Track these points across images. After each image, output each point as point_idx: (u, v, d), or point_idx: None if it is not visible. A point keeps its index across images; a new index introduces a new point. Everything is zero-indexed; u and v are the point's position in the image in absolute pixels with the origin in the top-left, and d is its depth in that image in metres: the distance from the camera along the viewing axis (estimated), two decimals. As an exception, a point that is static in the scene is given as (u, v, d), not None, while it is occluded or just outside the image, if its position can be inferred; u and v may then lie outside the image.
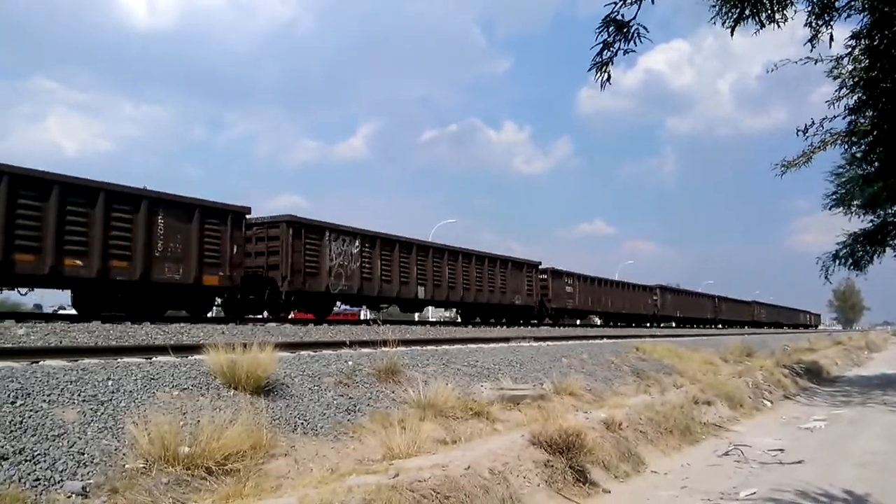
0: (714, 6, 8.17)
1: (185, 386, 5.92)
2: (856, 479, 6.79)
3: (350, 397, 7.01)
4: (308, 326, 14.40)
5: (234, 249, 14.17)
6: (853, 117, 14.17)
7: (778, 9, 7.68)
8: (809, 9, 8.93)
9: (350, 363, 8.00)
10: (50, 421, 4.66)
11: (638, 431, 8.22)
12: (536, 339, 14.53)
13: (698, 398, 10.92)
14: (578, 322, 34.95)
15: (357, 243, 17.67)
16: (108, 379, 5.59)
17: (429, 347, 10.77)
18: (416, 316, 34.27)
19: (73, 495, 4.00)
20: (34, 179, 11.01)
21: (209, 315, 15.70)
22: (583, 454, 6.35)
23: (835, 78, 13.82)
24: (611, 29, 4.53)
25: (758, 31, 7.76)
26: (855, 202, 18.82)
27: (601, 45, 4.60)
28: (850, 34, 11.80)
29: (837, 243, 19.66)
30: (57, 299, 30.19)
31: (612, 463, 6.98)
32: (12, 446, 4.23)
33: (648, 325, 39.12)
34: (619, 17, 4.48)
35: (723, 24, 7.97)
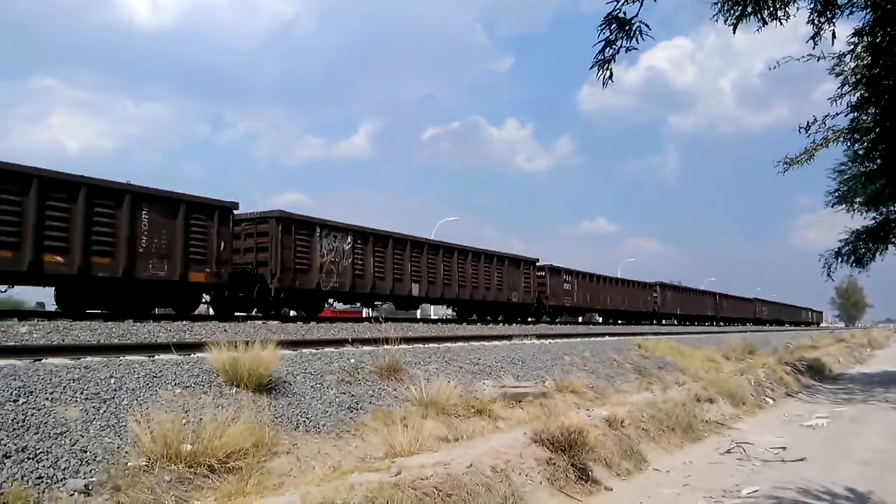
0: (716, 3, 8.12)
1: (188, 384, 5.93)
2: (858, 476, 6.79)
3: (352, 395, 7.01)
4: (310, 324, 14.42)
5: (222, 245, 13.90)
6: (855, 114, 14.12)
7: (780, 6, 7.64)
8: (812, 6, 8.88)
9: (352, 361, 8.01)
10: (52, 419, 4.67)
11: (640, 429, 8.22)
12: (538, 336, 14.53)
13: (700, 396, 10.91)
14: (580, 319, 34.93)
15: (349, 239, 17.39)
16: (111, 377, 5.60)
17: (431, 345, 10.78)
18: (418, 313, 34.29)
19: (76, 493, 4.01)
20: (13, 174, 10.77)
21: (195, 312, 15.39)
22: (585, 452, 6.35)
23: (837, 75, 13.77)
24: (613, 26, 4.50)
25: (760, 28, 7.72)
26: (857, 199, 18.74)
27: (603, 42, 4.57)
28: (853, 31, 11.75)
29: (840, 240, 19.63)
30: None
31: (615, 461, 6.98)
32: (15, 444, 4.23)
33: (648, 322, 39.00)
34: (621, 15, 4.46)
35: (725, 21, 7.92)
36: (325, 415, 6.32)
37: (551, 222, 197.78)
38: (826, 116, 14.31)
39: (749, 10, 7.54)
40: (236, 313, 15.81)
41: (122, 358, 6.50)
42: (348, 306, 27.41)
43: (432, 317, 32.68)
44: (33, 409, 4.71)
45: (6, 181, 10.66)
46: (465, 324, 22.00)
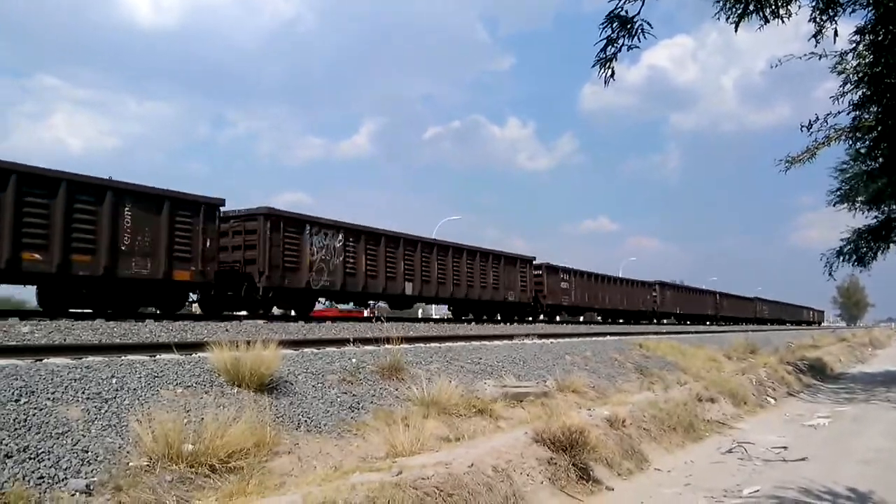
0: (718, 2, 8.11)
1: (189, 383, 5.93)
2: (859, 476, 6.78)
3: (353, 395, 7.01)
4: (311, 324, 14.42)
5: (207, 243, 13.53)
6: (857, 113, 14.11)
7: (782, 4, 7.63)
8: (814, 4, 8.86)
9: (353, 360, 8.00)
10: (54, 419, 4.67)
11: (641, 429, 8.21)
12: (540, 336, 14.52)
13: (702, 395, 10.90)
14: (582, 319, 34.86)
15: (340, 237, 17.03)
16: (112, 377, 5.60)
17: (432, 345, 10.78)
18: (419, 313, 34.30)
19: (77, 493, 4.01)
20: None
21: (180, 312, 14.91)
22: (586, 452, 6.35)
23: (839, 73, 13.74)
24: (614, 25, 4.49)
25: (762, 26, 7.71)
26: (859, 198, 18.73)
27: (605, 40, 4.56)
28: (855, 29, 11.77)
29: (842, 239, 19.61)
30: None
31: (616, 460, 6.97)
32: (16, 444, 4.24)
33: (647, 322, 38.84)
34: (622, 13, 4.44)
35: (727, 19, 7.89)
36: (326, 414, 6.32)
37: (553, 221, 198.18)
38: (828, 115, 14.33)
39: (751, 7, 7.52)
40: (224, 313, 15.48)
41: (123, 357, 6.51)
42: (352, 306, 27.33)
43: (434, 316, 32.67)
44: (35, 408, 4.71)
45: None
46: (465, 323, 21.91)
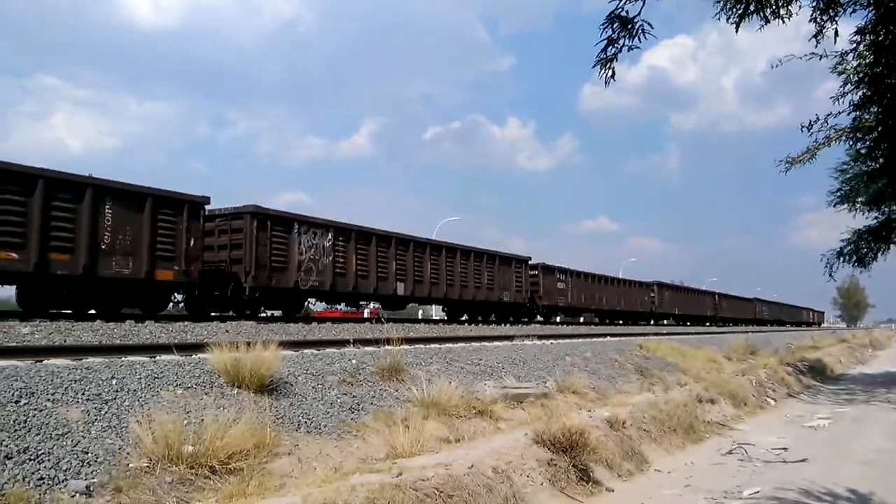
0: (718, 2, 8.11)
1: (189, 385, 5.92)
2: (859, 477, 6.78)
3: (353, 396, 7.00)
4: (311, 325, 14.41)
5: (191, 242, 13.26)
6: (858, 113, 14.10)
7: (783, 4, 7.62)
8: (814, 4, 8.85)
9: (353, 362, 8.00)
10: (54, 420, 4.67)
11: (641, 430, 8.21)
12: (540, 337, 14.50)
13: (702, 396, 10.90)
14: (582, 319, 34.79)
15: (330, 236, 16.68)
16: (112, 378, 5.59)
17: (432, 345, 10.77)
18: (420, 314, 34.28)
19: (77, 494, 4.00)
20: None
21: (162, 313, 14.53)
22: (586, 453, 6.34)
23: (839, 74, 13.76)
24: (615, 25, 4.49)
25: (762, 26, 7.70)
26: (860, 199, 18.71)
27: (605, 41, 4.56)
28: (855, 29, 11.75)
29: (842, 240, 19.59)
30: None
31: (616, 462, 6.97)
32: (16, 445, 4.23)
33: (646, 322, 38.72)
34: (623, 14, 4.44)
35: (727, 19, 7.89)
36: (326, 416, 6.32)
37: (553, 221, 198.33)
38: (828, 115, 14.33)
39: (752, 7, 7.52)
40: (211, 313, 15.24)
41: (123, 359, 6.50)
42: (344, 306, 27.29)
43: (434, 317, 32.64)
44: (35, 410, 4.71)
45: None
46: (460, 324, 21.79)
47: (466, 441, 6.50)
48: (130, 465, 4.45)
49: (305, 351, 8.37)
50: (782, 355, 20.27)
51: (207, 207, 14.11)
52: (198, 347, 7.37)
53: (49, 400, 4.91)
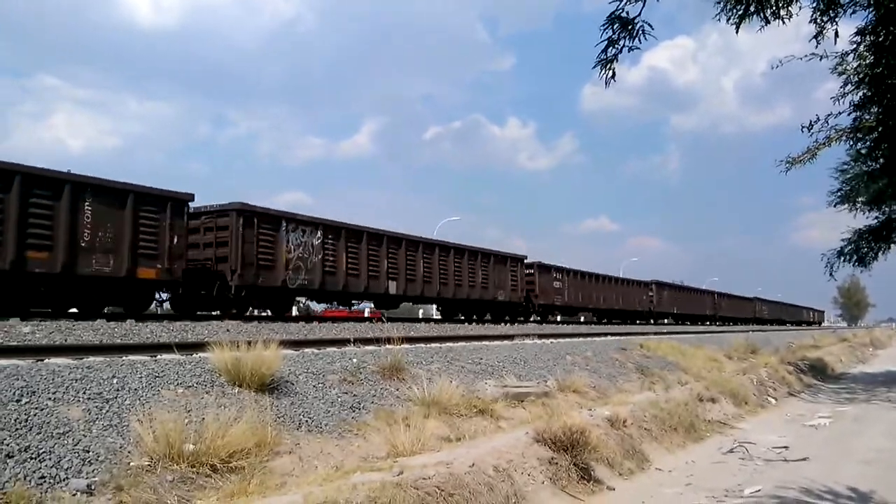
0: (719, 3, 8.10)
1: (190, 384, 5.93)
2: (860, 476, 6.78)
3: (354, 395, 7.01)
4: (312, 324, 14.41)
5: (175, 240, 12.93)
6: (858, 113, 14.13)
7: (783, 5, 7.61)
8: (815, 5, 8.85)
9: (354, 360, 8.00)
10: (55, 419, 4.67)
11: (642, 429, 8.21)
12: (540, 336, 14.52)
13: (703, 395, 10.90)
14: (582, 319, 34.74)
15: (319, 234, 16.38)
16: (113, 377, 5.60)
17: (433, 345, 10.78)
18: (420, 313, 34.27)
19: (79, 493, 4.01)
20: None
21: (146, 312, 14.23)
22: (587, 451, 6.35)
23: (840, 74, 13.77)
24: (615, 26, 4.49)
25: (763, 27, 7.70)
26: (860, 199, 18.72)
27: (606, 42, 4.56)
28: (856, 30, 11.75)
29: (842, 240, 19.60)
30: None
31: (617, 460, 6.97)
32: (18, 444, 4.24)
33: (644, 322, 38.56)
34: (623, 14, 4.44)
35: (728, 20, 7.89)
36: (327, 414, 6.32)
37: (554, 221, 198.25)
38: (828, 115, 14.35)
39: (752, 8, 7.51)
40: (197, 312, 14.98)
41: (124, 358, 6.51)
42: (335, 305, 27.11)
43: (435, 316, 32.66)
44: (36, 408, 4.72)
45: None
46: (457, 323, 21.70)
47: (467, 440, 6.50)
48: (131, 463, 4.45)
49: (306, 350, 8.38)
50: (783, 354, 20.28)
51: (192, 205, 13.84)
52: (198, 346, 7.38)
53: (50, 399, 4.92)
